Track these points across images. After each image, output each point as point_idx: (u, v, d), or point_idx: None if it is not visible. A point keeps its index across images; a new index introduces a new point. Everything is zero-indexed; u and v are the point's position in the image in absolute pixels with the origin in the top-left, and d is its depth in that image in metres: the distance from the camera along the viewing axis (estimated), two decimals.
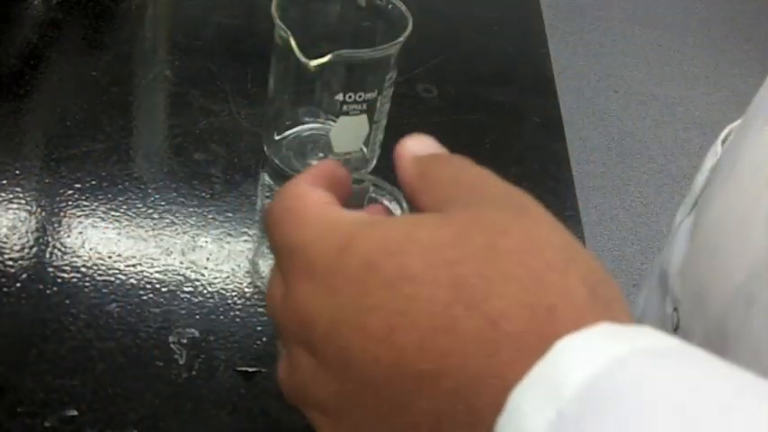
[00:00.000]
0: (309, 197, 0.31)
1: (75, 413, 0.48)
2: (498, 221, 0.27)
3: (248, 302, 0.55)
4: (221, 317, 0.54)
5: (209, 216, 0.60)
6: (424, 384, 0.25)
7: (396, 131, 0.68)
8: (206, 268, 0.57)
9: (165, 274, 0.56)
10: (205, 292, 0.55)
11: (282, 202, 0.32)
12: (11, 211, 0.58)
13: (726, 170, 0.41)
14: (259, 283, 0.56)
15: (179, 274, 0.56)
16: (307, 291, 0.28)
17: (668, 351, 0.23)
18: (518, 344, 0.24)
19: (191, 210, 0.60)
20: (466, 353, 0.25)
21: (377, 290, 0.27)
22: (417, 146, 0.33)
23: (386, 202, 0.48)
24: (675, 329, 0.42)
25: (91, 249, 0.56)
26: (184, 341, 0.52)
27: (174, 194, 0.61)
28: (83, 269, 0.55)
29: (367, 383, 0.26)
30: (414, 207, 0.32)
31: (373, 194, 0.49)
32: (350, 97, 0.59)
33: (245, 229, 0.60)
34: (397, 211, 0.47)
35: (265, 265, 0.58)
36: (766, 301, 0.33)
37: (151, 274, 0.56)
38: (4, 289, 0.53)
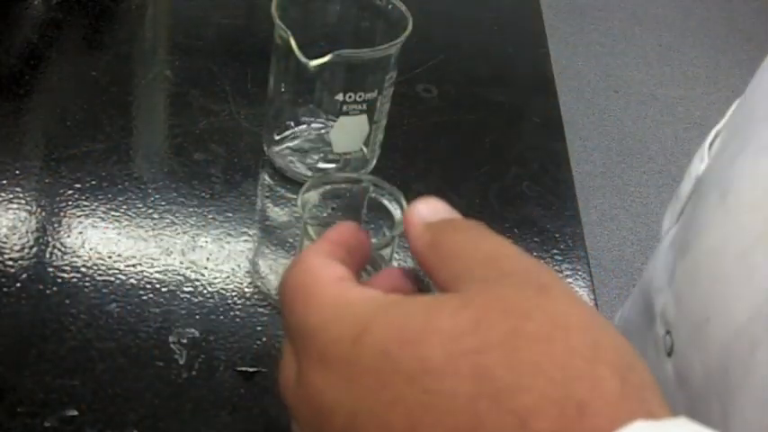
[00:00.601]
0: (322, 274, 0.30)
1: (76, 413, 0.48)
2: (519, 304, 0.26)
3: (248, 302, 0.55)
4: (221, 317, 0.54)
5: (209, 216, 0.60)
6: None
7: (396, 131, 0.68)
8: (206, 268, 0.57)
9: (165, 274, 0.56)
10: (205, 292, 0.55)
11: (296, 276, 0.30)
12: (11, 211, 0.58)
13: (718, 192, 0.40)
14: (259, 283, 0.56)
15: (179, 274, 0.56)
16: (322, 379, 0.27)
17: None
18: None
19: (191, 210, 0.60)
20: None
21: (396, 383, 0.25)
22: (427, 211, 0.32)
23: (386, 202, 0.48)
24: (669, 354, 0.41)
25: (91, 249, 0.56)
26: (184, 341, 0.52)
27: (174, 194, 0.61)
28: (83, 269, 0.55)
29: None
30: (425, 270, 0.31)
31: (373, 194, 0.49)
32: (350, 97, 0.59)
33: (245, 229, 0.60)
34: (397, 212, 0.47)
35: (265, 265, 0.58)
36: None
37: (151, 274, 0.56)
38: (4, 289, 0.53)
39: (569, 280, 0.61)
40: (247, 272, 0.57)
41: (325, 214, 0.56)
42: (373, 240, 0.45)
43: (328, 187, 0.55)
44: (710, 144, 0.45)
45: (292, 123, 0.65)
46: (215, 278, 0.55)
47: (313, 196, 0.54)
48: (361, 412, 0.26)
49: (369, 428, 0.26)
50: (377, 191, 0.49)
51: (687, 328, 0.39)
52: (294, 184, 0.63)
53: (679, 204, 0.45)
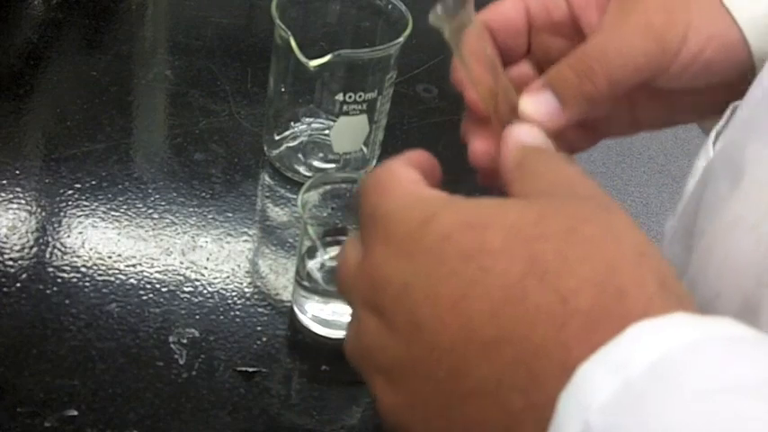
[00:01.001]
0: (401, 174, 0.33)
1: (75, 413, 0.48)
2: (580, 211, 0.29)
3: (248, 302, 0.55)
4: (221, 317, 0.54)
5: (209, 216, 0.60)
6: (488, 351, 0.26)
7: (396, 131, 0.68)
8: (206, 268, 0.57)
9: (165, 274, 0.56)
10: (205, 292, 0.55)
11: (375, 176, 0.33)
12: (11, 211, 0.58)
13: (729, 179, 0.40)
14: (259, 283, 0.56)
15: (179, 274, 0.56)
16: (382, 254, 0.30)
17: (745, 338, 0.24)
18: (586, 319, 0.25)
19: (191, 210, 0.60)
20: (533, 323, 0.26)
21: (453, 260, 0.28)
22: (525, 135, 0.35)
23: None
24: None
25: (91, 249, 0.56)
26: (184, 341, 0.52)
27: (174, 194, 0.61)
28: (83, 269, 0.55)
29: (433, 349, 0.27)
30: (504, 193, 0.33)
31: None
32: (350, 97, 0.59)
33: (245, 229, 0.60)
34: None
35: (265, 265, 0.58)
36: None
37: (151, 274, 0.56)
38: (4, 289, 0.53)
39: None
40: (247, 272, 0.57)
41: (325, 214, 0.56)
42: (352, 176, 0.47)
43: (328, 187, 0.55)
44: (714, 141, 0.45)
45: (292, 123, 0.65)
46: (215, 278, 0.55)
47: (313, 196, 0.54)
48: (415, 283, 0.28)
49: (419, 298, 0.28)
50: None
51: (699, 307, 0.40)
52: (294, 184, 0.63)
53: (683, 202, 0.45)
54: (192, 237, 0.58)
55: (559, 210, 0.29)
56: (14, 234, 0.56)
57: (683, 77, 0.41)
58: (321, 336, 0.54)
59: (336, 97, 0.59)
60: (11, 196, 0.59)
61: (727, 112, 0.46)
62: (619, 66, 0.38)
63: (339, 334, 0.53)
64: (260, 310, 0.55)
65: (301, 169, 0.64)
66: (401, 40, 0.58)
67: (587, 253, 0.27)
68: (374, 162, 0.65)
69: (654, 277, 0.27)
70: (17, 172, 0.61)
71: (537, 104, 0.38)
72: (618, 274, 0.26)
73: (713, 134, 0.45)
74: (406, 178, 0.33)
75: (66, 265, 0.55)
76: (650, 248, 0.28)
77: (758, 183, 0.37)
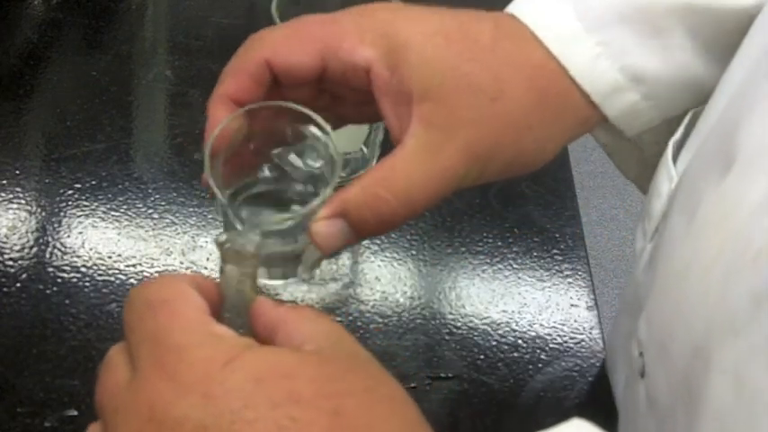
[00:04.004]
0: (190, 299, 0.31)
1: (75, 413, 0.48)
2: (375, 373, 0.31)
3: None
4: None
5: (209, 216, 0.60)
6: None
7: None
8: (206, 268, 0.57)
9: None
10: None
11: (160, 291, 0.31)
12: (11, 211, 0.58)
13: (686, 215, 0.39)
14: (258, 282, 0.56)
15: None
16: (170, 392, 0.28)
17: None
18: None
19: (191, 210, 0.60)
20: None
21: (261, 405, 0.27)
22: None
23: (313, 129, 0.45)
24: (642, 375, 0.40)
25: (91, 249, 0.56)
26: None
27: (174, 194, 0.61)
28: (83, 269, 0.55)
29: None
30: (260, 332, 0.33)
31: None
32: None
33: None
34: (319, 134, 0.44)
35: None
36: (722, 364, 0.31)
37: (151, 274, 0.56)
38: (4, 289, 0.53)
39: (569, 280, 0.61)
40: None
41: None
42: (315, 203, 0.44)
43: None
44: (674, 157, 0.43)
45: None
46: (215, 278, 0.55)
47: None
48: (215, 426, 0.27)
49: None
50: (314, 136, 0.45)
51: (655, 347, 0.39)
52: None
53: (652, 223, 0.44)
54: (192, 237, 0.58)
55: (355, 368, 0.30)
56: (14, 234, 0.56)
57: (494, 179, 0.42)
58: None
59: None
60: (11, 196, 0.59)
61: (685, 120, 0.44)
62: (419, 208, 0.38)
63: None
64: None
65: (302, 168, 0.64)
66: None
67: (389, 411, 0.29)
68: (374, 162, 0.65)
69: None
70: (17, 172, 0.61)
71: (330, 233, 0.39)
72: None
73: (671, 146, 0.44)
74: (196, 305, 0.31)
75: (66, 265, 0.55)
76: (423, 419, 0.31)
77: (710, 224, 0.35)
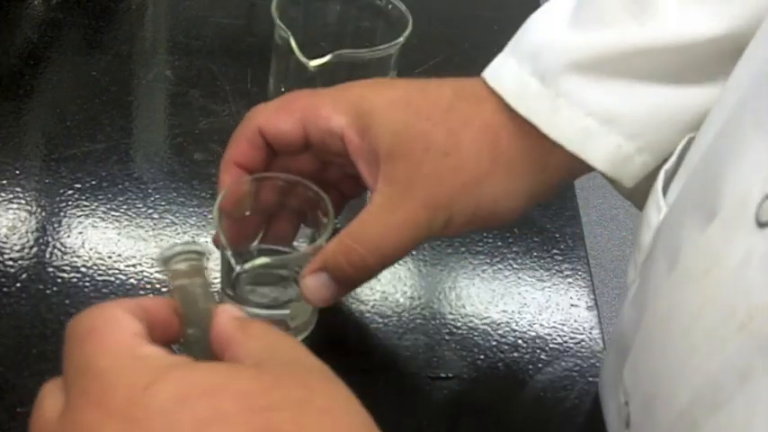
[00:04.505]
0: (121, 324, 0.31)
1: None
2: (310, 381, 0.30)
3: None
4: None
5: (209, 216, 0.60)
6: None
7: None
8: (206, 268, 0.56)
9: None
10: None
11: (91, 318, 0.31)
12: (11, 211, 0.58)
13: (668, 259, 0.38)
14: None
15: None
16: (96, 420, 0.28)
17: None
18: None
19: (191, 210, 0.60)
20: None
21: (186, 426, 0.26)
22: (236, 311, 0.35)
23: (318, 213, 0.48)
24: (627, 425, 0.40)
25: (91, 249, 0.56)
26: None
27: (174, 194, 0.61)
28: (83, 269, 0.55)
29: None
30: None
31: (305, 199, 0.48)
32: None
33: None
34: (324, 219, 0.47)
35: None
36: None
37: (151, 274, 0.56)
38: (4, 289, 0.53)
39: (569, 280, 0.61)
40: None
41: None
42: (303, 246, 0.49)
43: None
44: (664, 187, 0.42)
45: None
46: (215, 278, 0.55)
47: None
48: None
49: None
50: (306, 197, 0.48)
51: (640, 401, 0.38)
52: None
53: (641, 255, 0.43)
54: (192, 237, 0.58)
55: (291, 378, 0.29)
56: (14, 234, 0.56)
57: (466, 229, 0.46)
58: None
59: None
60: (11, 196, 0.59)
61: (678, 148, 0.43)
62: (388, 255, 0.44)
63: None
64: None
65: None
66: (401, 40, 0.58)
67: (322, 423, 0.28)
68: None
69: None
70: (17, 172, 0.61)
71: (315, 287, 0.44)
72: None
73: (662, 175, 0.43)
74: (124, 329, 0.31)
75: (66, 265, 0.55)
76: (370, 421, 0.30)
77: (690, 277, 0.34)
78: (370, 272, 0.44)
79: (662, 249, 0.40)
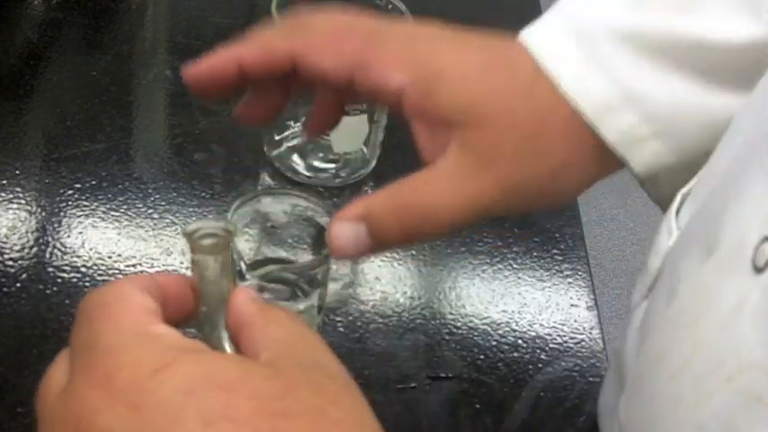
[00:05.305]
0: (133, 300, 0.29)
1: None
2: (329, 390, 0.28)
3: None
4: None
5: (210, 216, 0.60)
6: None
7: (396, 131, 0.68)
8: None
9: None
10: None
11: (103, 294, 0.29)
12: (11, 211, 0.58)
13: (666, 293, 0.37)
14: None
15: None
16: (100, 400, 0.26)
17: None
18: None
19: (191, 210, 0.60)
20: None
21: (191, 422, 0.25)
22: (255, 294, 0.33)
23: (320, 220, 0.48)
24: None
25: (91, 249, 0.56)
26: None
27: (174, 194, 0.61)
28: (83, 269, 0.55)
29: None
30: (237, 338, 0.31)
31: (309, 213, 0.48)
32: None
33: (246, 230, 0.60)
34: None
35: None
36: None
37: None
38: (4, 289, 0.53)
39: (569, 280, 0.61)
40: None
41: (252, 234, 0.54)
42: (309, 258, 0.46)
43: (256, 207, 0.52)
44: (678, 209, 0.41)
45: (292, 123, 0.65)
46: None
47: (243, 216, 0.52)
48: None
49: None
50: (312, 209, 0.48)
51: None
52: (294, 184, 0.63)
53: (648, 279, 0.42)
54: None
55: (308, 384, 0.27)
56: (14, 234, 0.56)
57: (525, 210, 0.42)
58: None
59: None
60: (11, 196, 0.59)
61: (699, 173, 0.41)
62: (444, 227, 0.38)
63: None
64: None
65: (301, 169, 0.64)
66: None
67: None
68: (374, 162, 0.65)
69: None
70: (17, 172, 0.61)
71: (347, 236, 0.37)
72: None
73: (678, 198, 0.41)
74: (136, 306, 0.29)
75: (66, 265, 0.55)
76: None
77: (684, 317, 0.33)
78: (414, 238, 0.38)
79: (665, 278, 0.38)
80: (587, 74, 0.40)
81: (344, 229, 0.37)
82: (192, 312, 0.33)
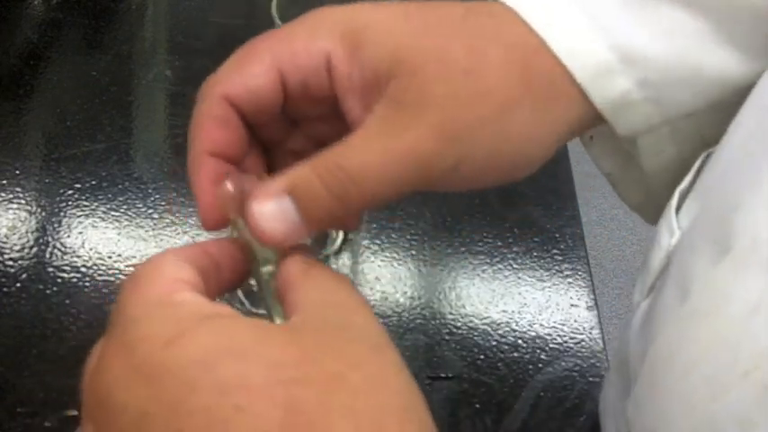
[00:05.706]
0: (162, 271, 0.29)
1: (75, 413, 0.48)
2: (351, 353, 0.26)
3: (248, 302, 0.55)
4: None
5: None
6: None
7: None
8: None
9: None
10: None
11: (136, 270, 0.29)
12: (11, 211, 0.58)
13: (678, 292, 0.36)
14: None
15: None
16: (119, 372, 0.26)
17: None
18: None
19: (191, 210, 0.60)
20: None
21: (207, 391, 0.24)
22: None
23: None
24: None
25: (91, 249, 0.56)
26: None
27: (174, 194, 0.61)
28: (83, 269, 0.55)
29: None
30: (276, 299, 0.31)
31: None
32: None
33: None
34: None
35: None
36: None
37: None
38: (4, 289, 0.53)
39: (569, 280, 0.61)
40: None
41: None
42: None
43: None
44: (678, 207, 0.39)
45: None
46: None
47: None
48: (154, 415, 0.25)
49: None
50: None
51: None
52: None
53: (649, 278, 0.40)
54: (192, 237, 0.58)
55: (329, 349, 0.26)
56: (14, 234, 0.56)
57: (481, 178, 0.35)
58: None
59: None
60: (11, 196, 0.59)
61: (694, 168, 0.40)
62: (378, 191, 0.32)
63: None
64: (261, 312, 0.55)
65: None
66: None
67: (352, 405, 0.25)
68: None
69: None
70: (17, 172, 0.61)
71: (273, 218, 0.32)
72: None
73: (676, 196, 0.39)
74: (166, 276, 0.29)
75: (66, 265, 0.55)
76: (415, 399, 0.27)
77: (699, 314, 0.33)
78: (346, 208, 0.33)
79: (674, 277, 0.37)
80: (580, 31, 0.35)
81: (267, 207, 0.32)
82: (243, 276, 0.32)
